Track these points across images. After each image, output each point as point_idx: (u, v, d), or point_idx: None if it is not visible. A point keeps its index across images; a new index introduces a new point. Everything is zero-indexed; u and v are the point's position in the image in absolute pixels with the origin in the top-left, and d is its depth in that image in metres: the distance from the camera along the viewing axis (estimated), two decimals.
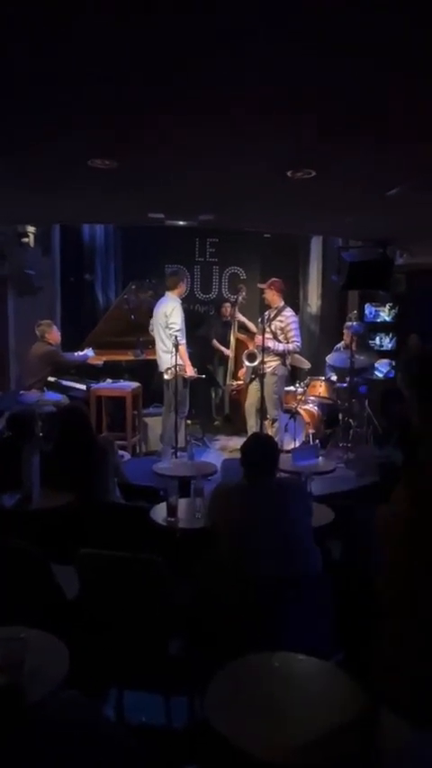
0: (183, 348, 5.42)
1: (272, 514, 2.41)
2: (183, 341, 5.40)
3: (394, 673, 1.42)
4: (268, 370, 5.64)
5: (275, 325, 5.73)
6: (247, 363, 5.99)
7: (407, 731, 1.35)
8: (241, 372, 6.43)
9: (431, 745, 1.34)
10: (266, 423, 5.63)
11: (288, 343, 5.70)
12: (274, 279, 5.84)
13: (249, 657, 1.79)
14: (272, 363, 5.68)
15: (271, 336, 5.68)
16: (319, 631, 2.21)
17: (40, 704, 1.53)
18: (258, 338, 5.55)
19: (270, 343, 5.61)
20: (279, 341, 5.71)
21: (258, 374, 5.53)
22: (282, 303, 5.82)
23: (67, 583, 2.38)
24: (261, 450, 2.60)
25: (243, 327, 6.92)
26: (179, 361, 5.32)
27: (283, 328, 5.71)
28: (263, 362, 5.51)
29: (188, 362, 5.58)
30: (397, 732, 1.37)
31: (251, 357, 5.86)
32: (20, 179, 3.31)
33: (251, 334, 6.63)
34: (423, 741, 1.34)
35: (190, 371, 5.58)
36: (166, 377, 5.52)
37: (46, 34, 1.53)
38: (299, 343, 5.78)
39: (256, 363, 5.61)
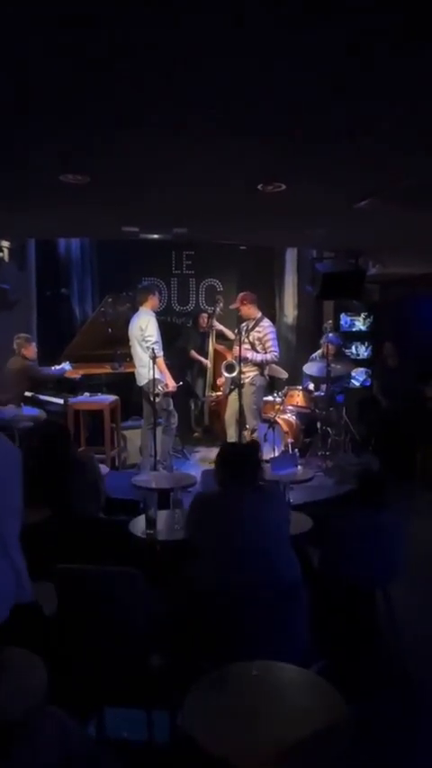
0: (161, 361, 5.42)
1: (251, 522, 2.41)
2: (160, 353, 5.41)
3: None
4: (247, 380, 5.67)
5: (253, 335, 5.78)
6: (225, 374, 6.03)
7: None
8: (220, 382, 6.45)
9: None
10: (246, 433, 5.66)
11: (266, 353, 5.75)
12: (243, 294, 5.86)
13: (229, 667, 1.79)
14: (250, 373, 5.72)
15: (249, 347, 5.73)
16: (298, 639, 2.22)
17: (19, 722, 1.51)
18: (236, 349, 5.59)
19: (249, 354, 5.66)
20: (257, 351, 5.75)
21: (237, 384, 5.56)
22: (259, 314, 5.88)
23: (45, 599, 2.35)
24: (237, 459, 2.61)
25: (221, 337, 6.96)
26: (158, 375, 5.31)
27: (261, 338, 5.76)
28: (241, 373, 5.55)
29: (168, 375, 5.58)
30: None
31: (230, 368, 5.89)
32: None
33: (229, 344, 6.67)
34: None
35: (171, 385, 5.57)
36: (145, 391, 5.51)
37: (15, 48, 1.55)
38: (277, 353, 5.83)
39: (234, 374, 5.65)
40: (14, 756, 1.47)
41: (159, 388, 5.36)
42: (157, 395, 5.34)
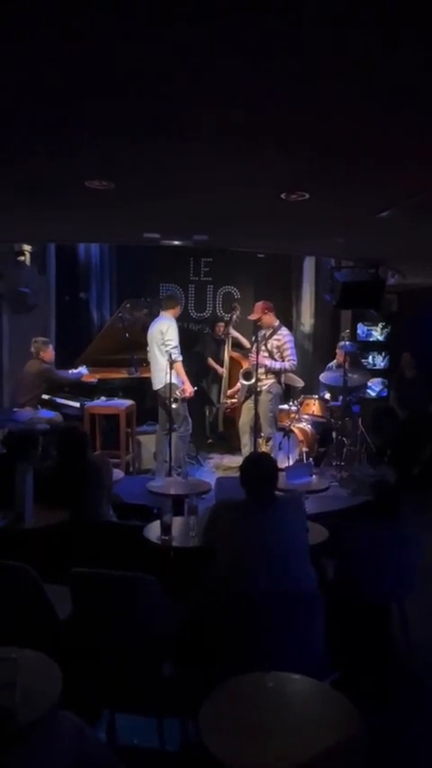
0: (179, 365, 5.45)
1: (273, 532, 2.41)
2: (179, 358, 5.43)
3: None
4: (264, 388, 5.67)
5: (272, 343, 5.78)
6: (243, 382, 6.00)
7: None
8: (232, 390, 6.44)
9: None
10: (260, 441, 5.64)
11: (284, 361, 5.75)
12: (263, 303, 5.83)
13: (243, 677, 1.78)
14: (267, 381, 5.71)
15: (267, 355, 5.72)
16: (313, 650, 2.20)
17: (32, 725, 1.52)
18: (253, 357, 5.59)
19: (267, 362, 5.66)
20: (275, 359, 5.75)
21: (253, 392, 5.55)
22: (277, 322, 5.87)
23: (60, 602, 2.36)
24: (261, 471, 2.61)
25: (237, 345, 6.96)
26: (174, 380, 5.32)
27: (280, 347, 5.75)
28: (258, 380, 5.54)
29: (186, 380, 5.60)
30: None
31: (247, 375, 5.88)
32: (17, 198, 3.35)
33: (245, 352, 6.67)
34: None
35: (189, 390, 5.59)
36: (161, 396, 5.53)
37: (45, 54, 1.57)
38: (295, 362, 5.82)
39: (252, 382, 5.64)
40: (29, 758, 1.47)
41: (177, 393, 5.37)
42: (176, 399, 5.36)
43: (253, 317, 5.81)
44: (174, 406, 5.37)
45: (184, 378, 5.55)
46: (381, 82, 1.68)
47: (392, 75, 1.63)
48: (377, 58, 1.54)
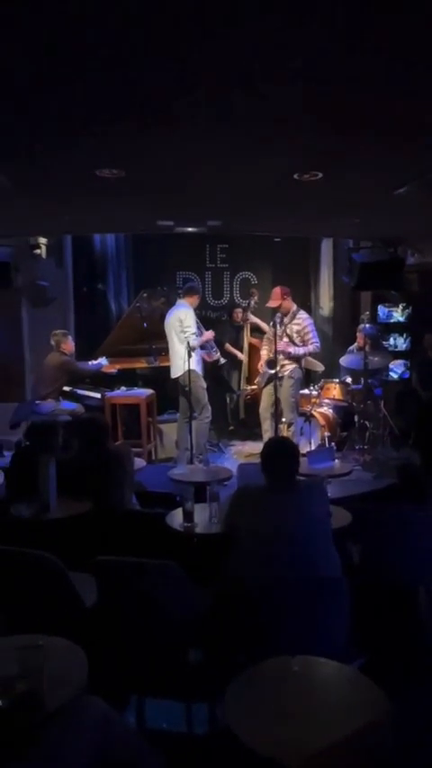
0: (205, 336, 5.71)
1: (296, 517, 2.40)
2: (196, 343, 5.45)
3: None
4: (286, 373, 5.64)
5: (292, 328, 5.72)
6: (268, 371, 5.91)
7: None
8: (256, 380, 6.40)
9: None
10: (282, 426, 5.62)
11: (306, 345, 5.69)
12: (281, 288, 5.75)
13: (269, 662, 1.78)
14: (289, 367, 5.68)
15: (288, 340, 5.67)
16: (339, 635, 2.19)
17: (60, 710, 1.54)
18: (275, 342, 5.53)
19: (291, 349, 5.61)
20: (296, 344, 5.69)
21: (275, 378, 5.52)
22: (294, 306, 5.81)
23: (85, 590, 2.39)
24: (282, 455, 2.59)
25: (256, 330, 6.91)
26: (193, 367, 5.32)
27: (300, 331, 5.70)
28: (281, 366, 5.52)
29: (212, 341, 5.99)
30: None
31: (271, 364, 5.80)
32: (30, 190, 3.35)
33: (264, 336, 6.61)
34: None
35: (217, 355, 5.96)
36: (181, 384, 5.54)
37: (52, 44, 1.55)
38: (318, 344, 5.78)
39: (276, 370, 5.60)
40: (57, 741, 1.49)
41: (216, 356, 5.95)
42: (219, 363, 6.03)
43: (272, 304, 5.75)
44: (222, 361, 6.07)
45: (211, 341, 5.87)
46: (394, 53, 1.63)
47: (406, 44, 1.57)
48: (391, 28, 1.48)
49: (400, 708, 1.47)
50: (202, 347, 5.75)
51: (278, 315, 5.63)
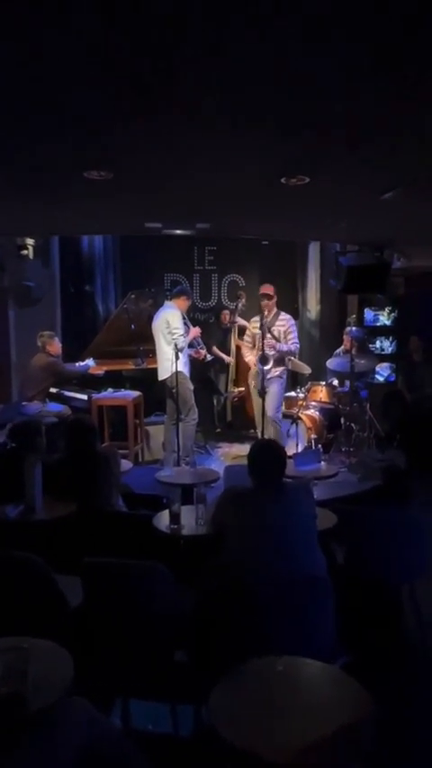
0: (192, 333, 5.71)
1: (282, 519, 2.41)
2: (184, 345, 5.45)
3: None
4: (275, 374, 5.69)
5: (278, 329, 5.76)
6: (260, 366, 5.87)
7: None
8: (244, 376, 6.43)
9: None
10: (276, 427, 5.67)
11: (288, 344, 5.75)
12: (268, 287, 5.80)
13: (253, 662, 1.79)
14: (279, 368, 5.73)
15: (274, 341, 5.71)
16: (324, 635, 2.20)
17: (43, 711, 1.54)
18: (250, 342, 5.74)
19: (277, 345, 5.67)
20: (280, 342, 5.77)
21: (264, 378, 5.57)
22: (275, 309, 5.86)
23: (71, 592, 2.38)
24: (269, 457, 2.61)
25: (243, 333, 6.93)
26: (180, 368, 5.32)
27: (284, 331, 5.76)
28: (273, 368, 5.58)
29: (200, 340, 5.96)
30: None
31: (264, 360, 5.79)
32: (17, 191, 3.34)
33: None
34: None
35: (204, 352, 5.96)
36: (168, 386, 5.53)
37: (37, 42, 1.56)
38: (297, 345, 5.90)
39: (269, 366, 5.64)
40: (41, 743, 1.49)
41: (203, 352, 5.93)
42: (207, 360, 6.03)
43: (267, 290, 5.77)
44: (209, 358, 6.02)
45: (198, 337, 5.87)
46: (377, 61, 1.65)
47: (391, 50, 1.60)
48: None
49: (382, 705, 1.49)
50: (190, 345, 5.75)
51: (256, 317, 5.73)
